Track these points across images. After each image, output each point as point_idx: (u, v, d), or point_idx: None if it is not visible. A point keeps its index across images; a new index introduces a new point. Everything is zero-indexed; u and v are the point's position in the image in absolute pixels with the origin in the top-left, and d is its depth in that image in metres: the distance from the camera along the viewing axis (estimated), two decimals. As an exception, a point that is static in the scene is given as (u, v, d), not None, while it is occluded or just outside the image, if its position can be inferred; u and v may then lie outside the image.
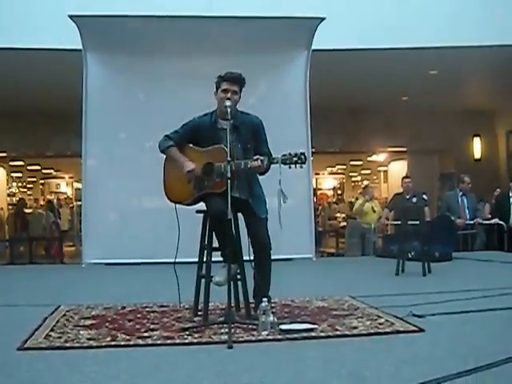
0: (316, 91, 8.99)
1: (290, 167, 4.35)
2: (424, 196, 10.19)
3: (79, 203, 14.55)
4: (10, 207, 18.54)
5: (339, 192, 24.18)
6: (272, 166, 4.42)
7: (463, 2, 9.87)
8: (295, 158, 4.33)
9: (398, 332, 3.98)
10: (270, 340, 3.84)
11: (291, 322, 4.20)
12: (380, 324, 4.20)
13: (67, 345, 3.75)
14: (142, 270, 8.08)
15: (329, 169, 23.30)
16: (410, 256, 7.73)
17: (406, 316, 4.35)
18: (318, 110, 9.19)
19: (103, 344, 3.77)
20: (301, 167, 4.38)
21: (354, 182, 24.29)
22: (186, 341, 3.84)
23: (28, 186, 22.42)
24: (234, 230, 4.45)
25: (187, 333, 4.01)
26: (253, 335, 3.94)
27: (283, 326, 4.01)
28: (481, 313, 4.53)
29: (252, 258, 4.50)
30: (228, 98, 4.45)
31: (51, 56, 9.53)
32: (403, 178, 10.80)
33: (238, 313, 4.57)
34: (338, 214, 19.43)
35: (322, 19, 8.52)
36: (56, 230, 14.94)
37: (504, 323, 4.29)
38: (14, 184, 21.13)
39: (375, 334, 3.94)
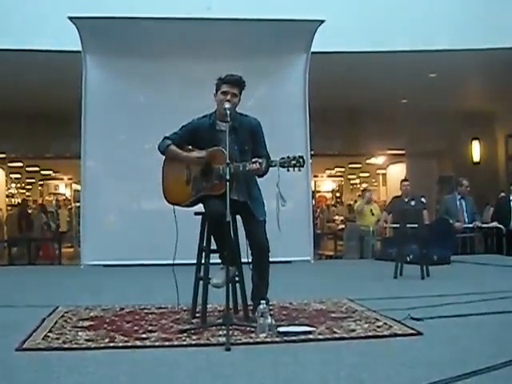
0: (315, 94, 9.00)
1: (288, 170, 4.35)
2: (423, 199, 10.19)
3: (78, 204, 14.58)
4: (9, 208, 18.55)
5: (338, 195, 24.21)
6: (270, 168, 4.42)
7: (463, 4, 9.87)
8: (294, 161, 4.33)
9: (396, 335, 3.98)
10: (267, 342, 3.84)
11: (289, 325, 4.20)
12: (378, 327, 4.20)
13: (65, 346, 3.75)
14: (140, 271, 8.08)
15: (327, 171, 23.33)
16: (408, 259, 7.71)
17: (404, 319, 4.34)
18: (317, 113, 9.19)
19: (101, 345, 3.76)
20: (299, 170, 4.37)
21: (352, 184, 24.32)
22: (184, 342, 3.83)
23: (27, 187, 22.43)
24: (233, 232, 4.45)
25: (185, 334, 4.01)
26: (251, 337, 3.94)
27: (281, 329, 4.01)
28: (479, 316, 4.53)
29: (250, 260, 4.50)
30: (227, 101, 4.46)
31: (51, 57, 9.53)
32: (402, 180, 10.80)
33: (236, 315, 4.56)
34: (337, 217, 19.48)
35: (322, 22, 8.53)
36: (48, 231, 14.91)
37: (502, 327, 4.29)
38: (13, 185, 21.13)
39: (373, 337, 3.94)
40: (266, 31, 8.61)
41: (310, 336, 3.96)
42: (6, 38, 9.17)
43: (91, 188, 8.95)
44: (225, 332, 3.81)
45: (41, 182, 22.69)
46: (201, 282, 4.51)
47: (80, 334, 4.07)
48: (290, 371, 3.25)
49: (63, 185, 23.09)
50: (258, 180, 4.66)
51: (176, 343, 3.83)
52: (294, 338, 3.89)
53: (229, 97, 4.49)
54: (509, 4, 9.95)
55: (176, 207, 4.59)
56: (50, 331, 4.13)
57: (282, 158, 4.35)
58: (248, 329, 4.10)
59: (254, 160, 4.39)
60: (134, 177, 8.78)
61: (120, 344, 3.80)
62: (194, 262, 4.60)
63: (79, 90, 8.73)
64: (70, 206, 20.53)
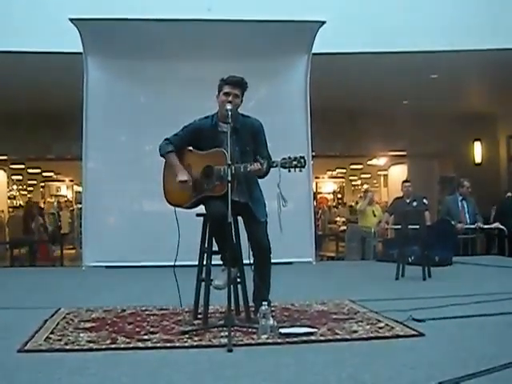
0: (316, 95, 8.99)
1: (289, 171, 4.34)
2: (424, 200, 10.18)
3: (79, 206, 14.57)
4: (11, 210, 18.56)
5: (339, 196, 24.20)
6: (272, 169, 4.42)
7: (465, 5, 9.86)
8: (295, 162, 4.32)
9: (398, 336, 3.98)
10: (269, 343, 3.85)
11: (291, 326, 4.20)
12: (380, 328, 4.20)
13: (67, 347, 3.76)
14: (141, 272, 8.08)
15: (329, 172, 23.33)
16: (410, 260, 7.71)
17: (406, 320, 4.34)
18: (318, 114, 9.19)
19: (103, 347, 3.77)
20: (300, 171, 4.37)
21: (354, 185, 24.31)
22: (186, 344, 3.84)
23: (28, 188, 22.44)
24: (234, 233, 4.45)
25: (187, 336, 4.01)
26: (252, 339, 3.94)
27: (283, 330, 4.01)
28: (481, 317, 4.53)
29: (252, 261, 4.50)
30: (229, 102, 4.46)
31: (52, 59, 9.53)
32: (403, 182, 10.79)
33: (237, 316, 4.57)
34: (338, 218, 19.48)
35: (323, 23, 8.52)
36: (44, 233, 14.91)
37: (504, 328, 4.29)
38: (15, 187, 21.14)
39: (375, 338, 3.94)
40: (267, 32, 8.60)
41: (312, 337, 3.96)
42: (7, 39, 9.16)
43: (92, 189, 8.95)
44: (226, 333, 3.81)
45: (42, 184, 22.70)
46: (202, 284, 4.51)
47: (82, 335, 4.07)
48: (292, 372, 3.25)
49: (65, 186, 23.11)
50: (259, 181, 4.67)
51: (178, 344, 3.83)
52: (295, 339, 3.89)
53: (230, 98, 4.49)
54: (511, 5, 9.94)
55: (177, 209, 4.59)
56: (51, 333, 4.14)
57: (283, 159, 4.35)
58: (250, 330, 4.10)
59: (255, 160, 4.40)
60: (135, 178, 8.79)
61: (122, 345, 3.80)
62: (196, 263, 4.59)
63: (80, 92, 8.73)
64: (71, 208, 20.52)
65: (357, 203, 15.95)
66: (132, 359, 3.53)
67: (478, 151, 15.53)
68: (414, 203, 9.91)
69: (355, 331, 4.12)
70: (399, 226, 8.33)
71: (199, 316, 4.55)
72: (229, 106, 4.41)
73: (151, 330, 4.25)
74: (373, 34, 9.55)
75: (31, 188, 22.55)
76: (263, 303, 4.04)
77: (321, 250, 13.73)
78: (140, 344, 3.83)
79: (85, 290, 6.85)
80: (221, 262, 4.52)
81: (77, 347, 3.76)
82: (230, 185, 4.16)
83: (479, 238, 10.45)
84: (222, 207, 4.21)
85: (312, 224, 9.26)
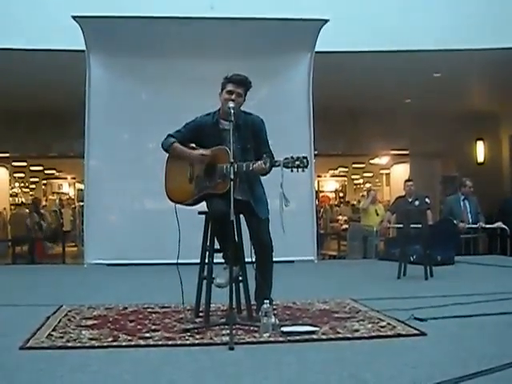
0: (319, 93, 8.98)
1: (291, 171, 4.34)
2: (426, 199, 10.16)
3: (81, 204, 14.58)
4: (13, 207, 18.57)
5: (341, 195, 24.18)
6: (274, 168, 4.41)
7: (468, 4, 9.84)
8: (297, 162, 4.31)
9: (400, 335, 3.98)
10: (271, 342, 3.85)
11: (293, 324, 4.20)
12: (382, 327, 4.20)
13: (69, 345, 3.76)
14: (143, 270, 8.08)
15: (331, 171, 23.31)
16: (411, 259, 7.71)
17: (407, 319, 4.34)
18: (320, 113, 9.18)
19: (105, 344, 3.77)
20: (303, 171, 4.36)
21: (356, 184, 24.30)
22: (188, 342, 3.84)
23: (30, 186, 22.45)
24: (236, 231, 4.45)
25: (189, 334, 4.01)
26: (254, 337, 3.94)
27: (285, 328, 4.01)
28: (483, 317, 4.52)
29: (254, 259, 4.50)
30: (232, 100, 4.46)
31: (54, 57, 9.53)
32: (406, 181, 10.79)
33: (239, 314, 4.57)
34: (340, 217, 19.45)
35: (326, 21, 8.51)
36: (39, 231, 14.91)
37: (506, 328, 4.28)
38: (17, 184, 21.15)
39: (377, 337, 3.94)
40: (269, 31, 8.60)
41: (314, 336, 3.96)
42: (9, 37, 9.16)
43: (95, 187, 8.95)
44: (228, 331, 3.82)
45: (44, 182, 22.71)
46: (204, 282, 4.51)
47: (83, 332, 4.08)
48: (294, 371, 3.25)
49: (67, 184, 23.11)
50: (262, 179, 4.66)
51: (179, 342, 3.83)
52: (297, 337, 3.89)
53: (233, 96, 4.50)
54: (514, 4, 9.94)
55: (179, 206, 4.59)
56: (53, 330, 4.15)
57: (286, 159, 4.34)
58: (251, 328, 4.10)
59: (257, 158, 4.40)
60: (137, 176, 8.79)
61: (123, 343, 3.81)
62: (198, 261, 4.59)
63: (82, 90, 8.74)
64: (73, 206, 20.54)
65: (359, 202, 15.95)
66: (133, 357, 3.53)
67: (480, 151, 15.51)
68: (416, 202, 9.88)
69: (357, 330, 4.12)
70: (401, 225, 8.33)
71: (201, 314, 4.55)
72: (231, 104, 4.42)
73: (153, 327, 4.25)
74: (375, 33, 9.54)
75: (33, 186, 22.56)
76: (265, 301, 4.04)
77: (322, 249, 13.72)
78: (142, 342, 3.83)
79: (87, 287, 6.86)
80: (223, 260, 4.53)
81: (78, 344, 3.77)
82: (232, 183, 4.16)
83: (481, 237, 10.44)
84: (224, 205, 4.22)
85: (314, 223, 9.26)
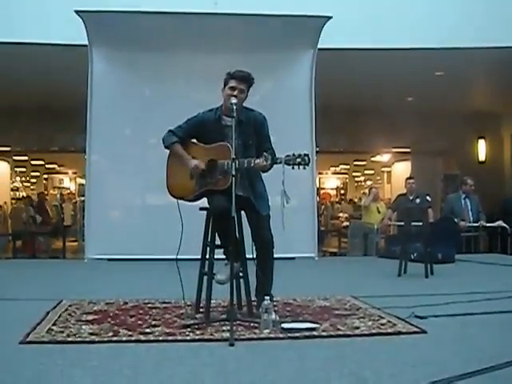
0: (321, 90, 8.98)
1: (293, 168, 4.33)
2: (427, 197, 10.17)
3: (82, 198, 14.58)
4: (14, 202, 18.58)
5: (342, 192, 24.18)
6: (275, 165, 4.41)
7: (470, 2, 9.83)
8: (299, 159, 4.30)
9: (400, 333, 3.98)
10: (271, 338, 3.84)
11: (293, 321, 4.20)
12: (382, 325, 4.20)
13: (69, 339, 3.76)
14: (144, 265, 8.08)
15: (332, 168, 23.30)
16: (412, 257, 7.71)
17: (408, 317, 4.34)
18: (322, 110, 9.18)
19: (105, 339, 3.77)
20: (304, 168, 4.35)
21: (357, 182, 24.29)
22: (188, 338, 3.84)
23: (31, 180, 22.45)
24: (237, 227, 4.45)
25: (189, 329, 4.01)
26: (254, 333, 3.94)
27: (285, 325, 4.01)
28: (483, 315, 4.53)
29: (254, 255, 4.50)
30: (234, 96, 4.45)
31: (57, 51, 9.52)
32: (407, 178, 10.79)
33: (239, 310, 4.57)
34: (341, 214, 19.44)
35: (329, 18, 8.51)
36: (33, 225, 14.92)
37: (506, 326, 4.29)
38: (18, 178, 21.14)
39: (377, 335, 3.94)
40: (272, 27, 8.59)
41: (314, 333, 3.96)
42: (11, 31, 9.16)
43: (96, 182, 8.95)
44: (228, 327, 3.82)
45: (45, 176, 22.71)
46: (205, 278, 4.51)
47: (84, 327, 4.08)
48: (294, 367, 3.25)
49: (68, 179, 23.11)
50: (263, 175, 4.66)
51: (179, 338, 3.83)
52: (297, 334, 3.89)
53: (236, 92, 4.49)
54: (516, 3, 9.92)
55: (180, 202, 4.59)
56: (53, 324, 4.15)
57: (288, 156, 4.33)
58: (252, 325, 4.10)
59: (258, 154, 4.40)
60: (138, 171, 8.80)
61: (124, 338, 3.81)
62: (199, 257, 4.59)
63: (84, 84, 8.73)
64: (74, 200, 20.53)
65: (360, 199, 15.94)
66: (134, 352, 3.53)
67: (481, 149, 15.49)
68: (418, 200, 9.89)
69: (357, 327, 4.12)
70: (402, 223, 8.32)
71: (201, 310, 4.55)
72: (234, 100, 4.41)
73: (153, 323, 4.25)
74: (378, 31, 9.53)
75: (34, 180, 22.56)
76: (265, 298, 4.04)
77: (323, 246, 13.73)
78: (142, 337, 3.83)
79: (87, 282, 6.87)
80: (224, 256, 4.53)
81: (79, 339, 3.77)
82: (234, 179, 4.15)
83: (482, 235, 10.45)
84: (225, 201, 4.22)
85: (315, 219, 9.26)
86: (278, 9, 8.61)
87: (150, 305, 4.97)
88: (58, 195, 21.47)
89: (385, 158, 19.36)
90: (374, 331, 4.01)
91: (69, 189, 22.84)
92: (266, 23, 8.61)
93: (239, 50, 8.37)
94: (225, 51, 8.39)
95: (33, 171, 21.97)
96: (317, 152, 9.41)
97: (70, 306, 4.89)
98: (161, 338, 3.82)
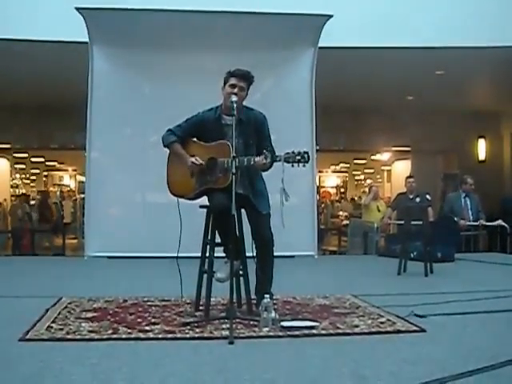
0: (321, 89, 8.98)
1: (292, 166, 4.34)
2: (427, 196, 10.16)
3: (82, 196, 14.59)
4: (14, 199, 18.59)
5: (342, 190, 24.19)
6: (275, 163, 4.41)
7: (471, 1, 9.82)
8: (298, 157, 4.31)
9: (400, 332, 3.98)
10: (271, 336, 3.85)
11: (292, 319, 4.20)
12: (381, 323, 4.20)
13: (68, 337, 3.77)
14: (144, 263, 8.08)
15: (332, 167, 23.31)
16: (412, 256, 7.71)
17: (407, 316, 4.35)
18: (322, 108, 9.18)
19: (104, 337, 3.77)
20: (303, 166, 4.36)
21: (357, 180, 24.30)
22: (187, 335, 3.84)
23: (31, 177, 22.45)
24: (237, 226, 4.45)
25: (188, 327, 4.01)
26: (254, 331, 3.95)
27: (284, 323, 4.01)
28: (482, 314, 4.53)
29: (254, 254, 4.50)
30: (234, 94, 4.45)
31: (57, 48, 9.51)
32: (407, 177, 10.79)
33: (239, 309, 4.57)
34: (341, 213, 19.45)
35: (330, 17, 8.50)
36: (29, 222, 14.91)
37: (505, 325, 4.29)
38: (18, 176, 21.15)
39: (376, 333, 3.94)
40: (273, 25, 8.58)
41: (313, 331, 3.96)
42: (11, 28, 9.15)
43: (96, 179, 8.94)
44: (228, 325, 3.82)
45: (45, 173, 22.71)
46: (205, 276, 4.52)
47: (83, 325, 4.08)
48: (293, 366, 3.26)
49: (68, 176, 23.11)
50: (263, 174, 4.66)
51: (179, 336, 3.83)
52: (297, 332, 3.89)
53: (236, 90, 4.49)
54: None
55: (180, 200, 4.59)
56: (53, 322, 4.15)
57: (287, 154, 4.34)
58: (251, 323, 4.10)
59: (259, 153, 4.40)
60: (138, 169, 8.78)
61: (123, 336, 3.81)
62: (199, 255, 4.59)
63: (84, 81, 8.72)
64: (74, 198, 20.55)
65: (360, 198, 15.93)
66: (133, 350, 3.53)
67: (481, 148, 15.49)
68: (417, 199, 9.88)
69: (356, 326, 4.12)
70: (402, 222, 8.33)
71: (201, 308, 4.55)
72: (234, 98, 4.41)
73: (153, 320, 4.25)
74: (378, 29, 9.52)
75: (34, 177, 22.57)
76: (265, 296, 4.04)
77: (323, 244, 13.74)
78: (141, 335, 3.84)
79: (87, 279, 6.86)
80: (223, 254, 4.53)
81: (78, 337, 3.77)
82: (234, 177, 4.15)
83: (481, 235, 10.45)
84: (225, 199, 4.22)
85: (315, 218, 9.25)
86: (279, 7, 8.60)
87: (149, 303, 4.97)
88: (58, 192, 21.48)
89: (385, 156, 19.36)
90: (373, 330, 4.02)
91: (69, 186, 22.85)
92: (266, 22, 8.60)
93: (240, 49, 8.35)
94: (225, 49, 8.38)
95: (33, 168, 21.97)
96: (317, 150, 9.40)
97: (69, 303, 4.89)
98: (160, 336, 3.82)
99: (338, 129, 14.66)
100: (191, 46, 8.62)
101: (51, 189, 22.24)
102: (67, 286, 6.13)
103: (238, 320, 4.12)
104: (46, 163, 21.46)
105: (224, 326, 3.98)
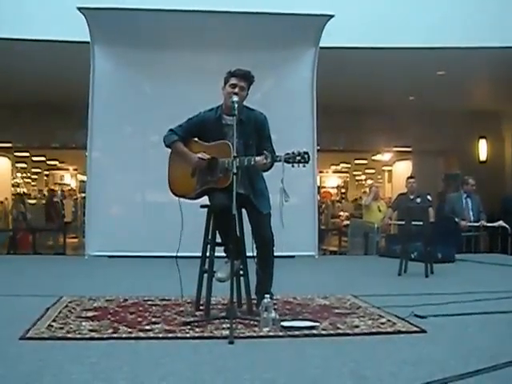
0: (322, 89, 8.97)
1: (293, 166, 4.34)
2: (428, 197, 10.17)
3: (83, 195, 14.59)
4: (14, 197, 18.59)
5: (343, 190, 24.16)
6: (275, 164, 4.41)
7: (473, 2, 9.82)
8: (298, 157, 4.31)
9: (400, 332, 3.98)
10: (271, 336, 3.85)
11: (293, 319, 4.20)
12: (382, 324, 4.20)
13: (69, 336, 3.77)
14: (144, 263, 8.09)
15: (333, 167, 23.28)
16: (412, 256, 7.71)
17: (407, 316, 4.34)
18: (323, 108, 9.18)
19: (105, 336, 3.77)
20: (304, 166, 4.36)
21: (357, 180, 24.28)
22: (188, 335, 3.84)
23: (32, 177, 22.44)
24: (238, 225, 4.45)
25: (189, 327, 4.01)
26: (254, 331, 3.95)
27: (285, 323, 4.01)
28: (483, 315, 4.53)
29: (255, 253, 4.51)
30: (235, 93, 4.45)
31: (58, 48, 9.52)
32: (408, 178, 10.78)
33: (239, 308, 4.57)
34: (342, 213, 19.44)
35: (331, 17, 8.51)
36: (23, 222, 14.91)
37: (506, 326, 4.29)
38: (19, 174, 21.14)
39: (377, 334, 3.94)
40: (274, 25, 8.58)
41: (314, 331, 3.96)
42: (12, 27, 9.16)
43: (97, 179, 8.94)
44: (228, 325, 3.82)
45: (46, 172, 22.70)
46: (205, 275, 4.52)
47: (84, 324, 4.08)
48: (293, 366, 3.26)
49: (69, 175, 23.10)
50: (264, 174, 4.66)
51: (179, 335, 3.83)
52: (297, 332, 3.89)
53: (237, 89, 4.49)
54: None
55: (182, 199, 4.59)
56: (53, 321, 4.15)
57: (287, 154, 4.34)
58: (252, 323, 4.10)
59: (259, 153, 4.40)
60: (139, 168, 8.80)
61: (123, 335, 3.81)
62: (199, 254, 4.60)
63: (86, 81, 8.72)
64: (75, 197, 20.54)
65: (361, 198, 15.93)
66: (133, 349, 3.53)
67: (483, 149, 15.48)
68: (418, 200, 9.89)
69: (357, 326, 4.12)
70: (403, 222, 8.32)
71: (201, 307, 4.55)
72: (235, 98, 4.41)
73: (153, 320, 4.26)
74: (379, 30, 9.53)
75: (35, 176, 22.56)
76: (265, 296, 4.04)
77: (323, 245, 13.73)
78: (142, 334, 3.84)
79: (87, 279, 6.87)
80: (224, 254, 4.53)
81: (78, 336, 3.77)
82: (235, 177, 4.15)
83: (482, 235, 10.45)
84: (226, 199, 4.22)
85: (315, 218, 9.25)
86: (280, 7, 8.61)
87: (149, 302, 4.97)
88: (59, 192, 21.46)
89: (386, 157, 19.34)
90: (373, 330, 4.02)
91: (70, 185, 22.83)
92: (267, 21, 8.60)
93: (241, 49, 8.36)
94: (226, 49, 8.39)
95: (34, 167, 21.96)
96: (318, 150, 9.39)
97: (70, 302, 4.89)
98: (160, 335, 3.82)
99: (338, 129, 14.66)
100: (192, 45, 8.63)
101: (52, 187, 22.24)
102: (68, 285, 6.13)
103: (238, 320, 4.12)
104: (47, 162, 21.45)
105: (224, 326, 3.99)
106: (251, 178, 4.57)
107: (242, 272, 4.54)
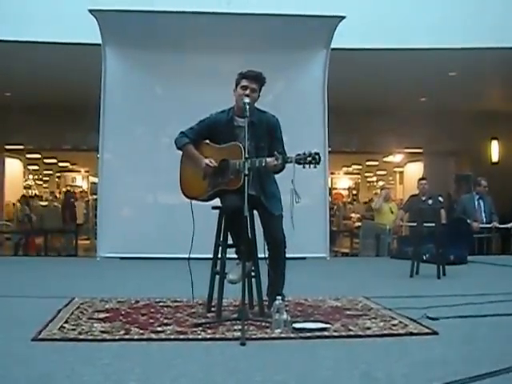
0: (334, 90, 8.97)
1: (304, 167, 4.32)
2: (440, 198, 10.12)
3: (95, 197, 14.64)
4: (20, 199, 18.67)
5: (354, 192, 24.14)
6: (286, 165, 4.40)
7: (484, 2, 9.79)
8: (309, 158, 4.30)
9: (412, 334, 3.96)
10: (282, 338, 3.84)
11: (304, 321, 4.19)
12: (393, 325, 4.18)
13: (81, 337, 3.77)
14: (156, 264, 8.11)
15: (344, 168, 23.27)
16: (424, 258, 7.69)
17: (419, 318, 4.32)
18: (335, 110, 9.16)
19: (116, 337, 3.78)
20: (315, 167, 4.34)
21: (369, 182, 24.24)
22: (199, 336, 3.84)
23: (44, 178, 22.54)
24: (250, 227, 4.45)
25: (200, 328, 4.01)
26: (266, 333, 3.94)
27: (296, 325, 4.01)
28: (495, 317, 4.50)
29: (266, 255, 4.50)
30: (247, 95, 4.45)
31: (70, 50, 9.57)
32: (419, 179, 10.75)
33: (251, 310, 4.57)
34: (353, 214, 19.41)
35: (342, 18, 8.50)
36: (28, 224, 14.96)
37: (518, 328, 4.27)
38: (31, 177, 21.24)
39: (388, 336, 3.93)
40: (285, 27, 8.58)
41: (325, 333, 3.95)
42: (24, 30, 9.20)
43: (108, 181, 8.97)
44: (240, 327, 3.81)
45: (58, 174, 22.80)
46: (217, 277, 4.52)
47: (95, 325, 4.09)
48: (305, 367, 3.25)
49: (80, 177, 23.18)
50: (276, 176, 4.65)
51: (191, 337, 3.83)
52: (309, 334, 3.89)
53: (248, 91, 4.49)
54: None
55: (193, 201, 4.60)
56: (65, 322, 4.16)
57: (298, 155, 4.32)
58: (263, 324, 4.09)
59: (270, 155, 4.39)
60: (151, 170, 8.81)
61: (135, 336, 3.81)
62: (211, 256, 4.60)
63: (97, 83, 8.75)
64: (86, 199, 20.62)
65: (372, 200, 15.89)
66: (145, 350, 3.53)
67: (495, 150, 15.42)
68: (430, 201, 9.83)
69: (369, 328, 4.11)
70: (414, 224, 8.29)
71: (213, 309, 4.55)
72: (246, 100, 4.41)
73: (165, 321, 4.26)
74: (391, 31, 9.52)
75: (47, 178, 22.66)
76: (277, 298, 4.04)
77: (335, 246, 13.72)
78: (153, 335, 3.84)
79: (99, 280, 6.89)
80: (236, 256, 4.53)
81: (90, 337, 3.78)
82: (246, 179, 4.15)
83: (494, 237, 10.40)
84: (237, 201, 4.22)
85: (327, 220, 9.24)
86: (292, 9, 8.61)
87: (161, 303, 4.98)
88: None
89: (397, 158, 19.31)
90: (385, 332, 4.00)
91: (81, 187, 22.92)
92: (279, 23, 8.61)
93: (252, 50, 8.36)
94: (237, 50, 8.40)
95: (45, 169, 22.06)
96: (329, 152, 9.39)
97: (81, 303, 4.90)
98: (172, 337, 3.82)
99: (350, 130, 14.65)
100: (203, 47, 8.64)
101: (63, 190, 22.33)
102: (80, 286, 6.14)
103: (249, 321, 4.11)
104: (59, 164, 21.55)
105: (236, 328, 3.98)
106: (262, 179, 4.56)
107: (253, 273, 4.54)
